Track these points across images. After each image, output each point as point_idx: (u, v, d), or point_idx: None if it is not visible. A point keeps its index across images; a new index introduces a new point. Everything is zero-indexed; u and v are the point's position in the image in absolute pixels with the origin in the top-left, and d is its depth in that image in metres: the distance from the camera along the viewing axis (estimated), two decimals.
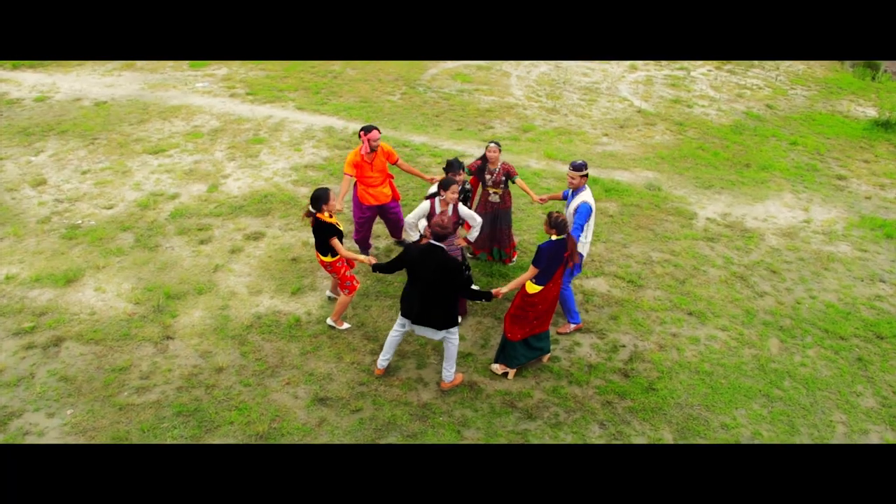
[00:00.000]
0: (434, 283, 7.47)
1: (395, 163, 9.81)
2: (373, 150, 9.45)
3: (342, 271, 8.58)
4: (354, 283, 8.71)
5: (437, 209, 8.58)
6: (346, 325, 8.98)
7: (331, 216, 8.29)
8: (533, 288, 7.90)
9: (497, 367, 8.40)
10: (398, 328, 8.02)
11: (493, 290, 7.95)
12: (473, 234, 8.86)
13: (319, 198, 8.18)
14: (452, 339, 7.89)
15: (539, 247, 7.76)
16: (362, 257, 8.35)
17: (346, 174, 9.46)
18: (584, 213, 8.45)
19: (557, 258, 7.83)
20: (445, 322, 7.67)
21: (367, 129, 9.38)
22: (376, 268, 7.98)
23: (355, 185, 9.77)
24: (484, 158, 9.56)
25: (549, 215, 7.79)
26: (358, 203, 9.81)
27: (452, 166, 8.97)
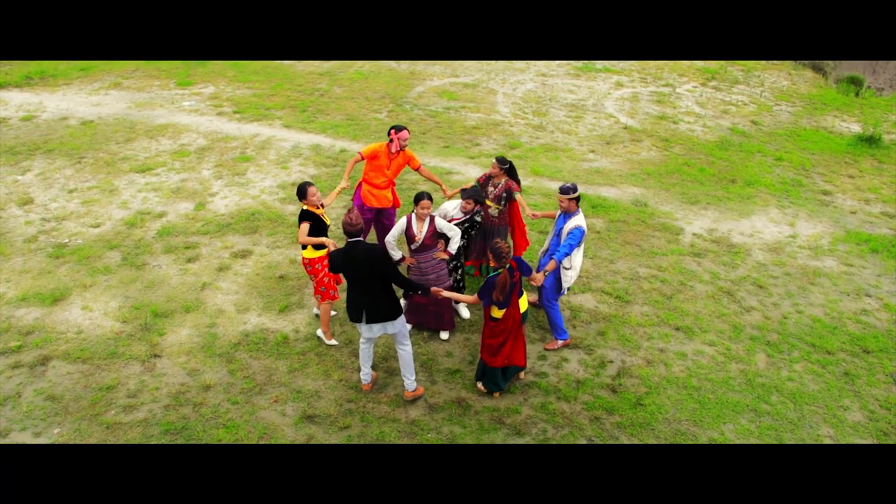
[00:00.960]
0: (367, 276, 7.53)
1: (417, 168, 9.92)
2: (402, 149, 9.59)
3: (319, 274, 8.58)
4: (330, 291, 8.71)
5: (414, 224, 8.62)
6: (333, 341, 8.97)
7: (318, 208, 8.48)
8: (497, 312, 7.88)
9: (482, 386, 8.39)
10: (363, 340, 8.04)
11: (433, 289, 8.01)
12: (452, 246, 8.87)
13: (299, 190, 8.43)
14: (405, 346, 7.97)
15: (487, 279, 7.71)
16: (324, 240, 8.33)
17: (359, 152, 9.65)
18: (577, 236, 8.43)
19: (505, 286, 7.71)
20: (394, 310, 7.73)
21: (398, 128, 9.53)
22: (330, 256, 7.92)
23: (359, 184, 9.82)
24: (489, 175, 9.64)
25: (490, 245, 7.72)
26: (360, 204, 9.80)
27: (467, 192, 9.14)
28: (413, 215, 8.67)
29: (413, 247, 8.69)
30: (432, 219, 8.67)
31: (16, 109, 15.78)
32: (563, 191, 8.50)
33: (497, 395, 8.33)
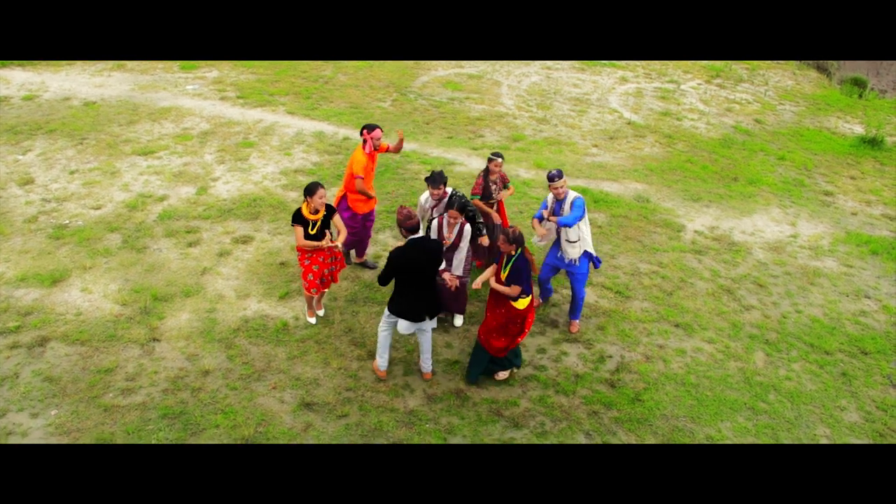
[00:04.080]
0: (429, 273, 7.61)
1: (386, 150, 9.74)
2: (376, 148, 9.35)
3: (302, 260, 8.59)
4: (312, 290, 8.69)
5: (445, 227, 8.66)
6: (312, 320, 9.07)
7: (315, 212, 8.30)
8: (522, 303, 7.86)
9: (503, 374, 8.45)
10: (387, 326, 8.05)
11: (449, 276, 8.23)
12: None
13: (309, 188, 8.20)
14: (429, 331, 8.07)
15: (516, 265, 7.67)
16: (324, 243, 8.36)
17: (358, 177, 9.25)
18: (580, 205, 8.62)
19: (528, 269, 7.79)
20: (438, 306, 7.96)
21: (370, 128, 9.27)
22: (390, 257, 7.71)
23: (342, 194, 9.62)
24: (486, 171, 9.52)
25: (505, 233, 7.67)
26: (351, 213, 9.60)
27: (434, 179, 8.94)
28: (444, 218, 8.66)
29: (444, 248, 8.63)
30: (463, 224, 8.64)
31: (18, 88, 15.71)
32: (553, 178, 8.65)
33: (505, 374, 8.46)
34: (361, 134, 9.31)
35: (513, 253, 7.67)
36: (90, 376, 8.07)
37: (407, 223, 7.49)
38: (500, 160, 9.43)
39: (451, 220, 8.57)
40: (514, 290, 7.70)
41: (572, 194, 8.71)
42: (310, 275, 8.62)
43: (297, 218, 8.35)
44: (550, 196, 8.85)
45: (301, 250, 8.56)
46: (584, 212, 8.62)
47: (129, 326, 8.84)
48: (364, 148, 9.29)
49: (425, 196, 9.32)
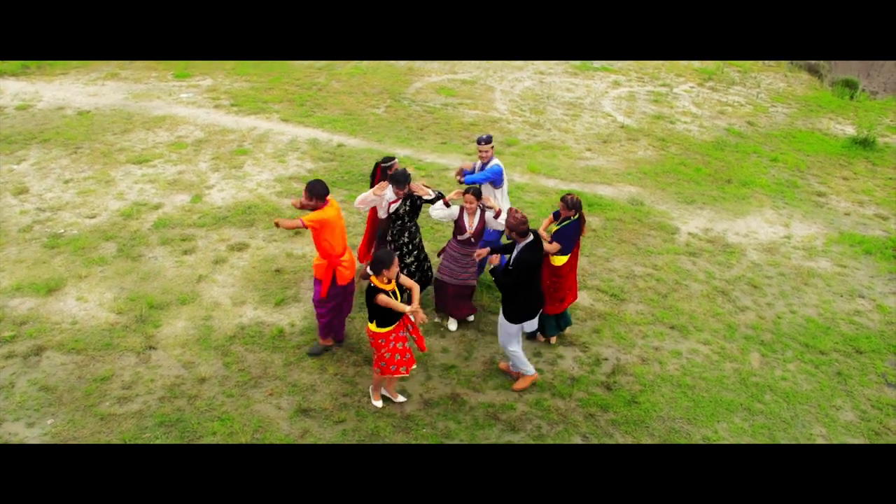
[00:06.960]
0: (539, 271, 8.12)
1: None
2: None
3: (381, 349, 7.53)
4: (392, 367, 7.58)
5: (465, 216, 8.82)
6: (401, 398, 8.16)
7: (389, 282, 7.23)
8: (559, 260, 8.54)
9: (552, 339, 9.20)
10: (516, 342, 8.17)
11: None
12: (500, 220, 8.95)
13: (382, 261, 7.12)
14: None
15: (562, 227, 8.51)
16: (405, 308, 7.20)
17: (301, 221, 7.84)
18: (493, 170, 9.32)
19: (576, 234, 8.53)
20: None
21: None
22: (501, 281, 7.79)
23: (318, 265, 8.23)
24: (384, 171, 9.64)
25: (563, 198, 8.45)
26: (320, 296, 8.35)
27: (398, 180, 8.70)
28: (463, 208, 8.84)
29: (460, 237, 8.81)
30: (482, 213, 8.83)
31: (11, 98, 15.71)
32: (480, 141, 9.40)
33: (554, 339, 9.18)
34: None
35: (571, 217, 8.49)
36: (86, 385, 8.06)
37: (521, 227, 7.70)
38: (394, 162, 9.48)
39: (469, 207, 8.72)
40: (553, 246, 8.47)
41: (494, 161, 9.41)
42: (397, 354, 7.57)
43: (375, 294, 7.17)
44: (479, 161, 9.58)
45: (376, 336, 7.50)
46: (495, 176, 9.31)
47: (124, 335, 8.84)
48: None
49: (389, 192, 8.97)
